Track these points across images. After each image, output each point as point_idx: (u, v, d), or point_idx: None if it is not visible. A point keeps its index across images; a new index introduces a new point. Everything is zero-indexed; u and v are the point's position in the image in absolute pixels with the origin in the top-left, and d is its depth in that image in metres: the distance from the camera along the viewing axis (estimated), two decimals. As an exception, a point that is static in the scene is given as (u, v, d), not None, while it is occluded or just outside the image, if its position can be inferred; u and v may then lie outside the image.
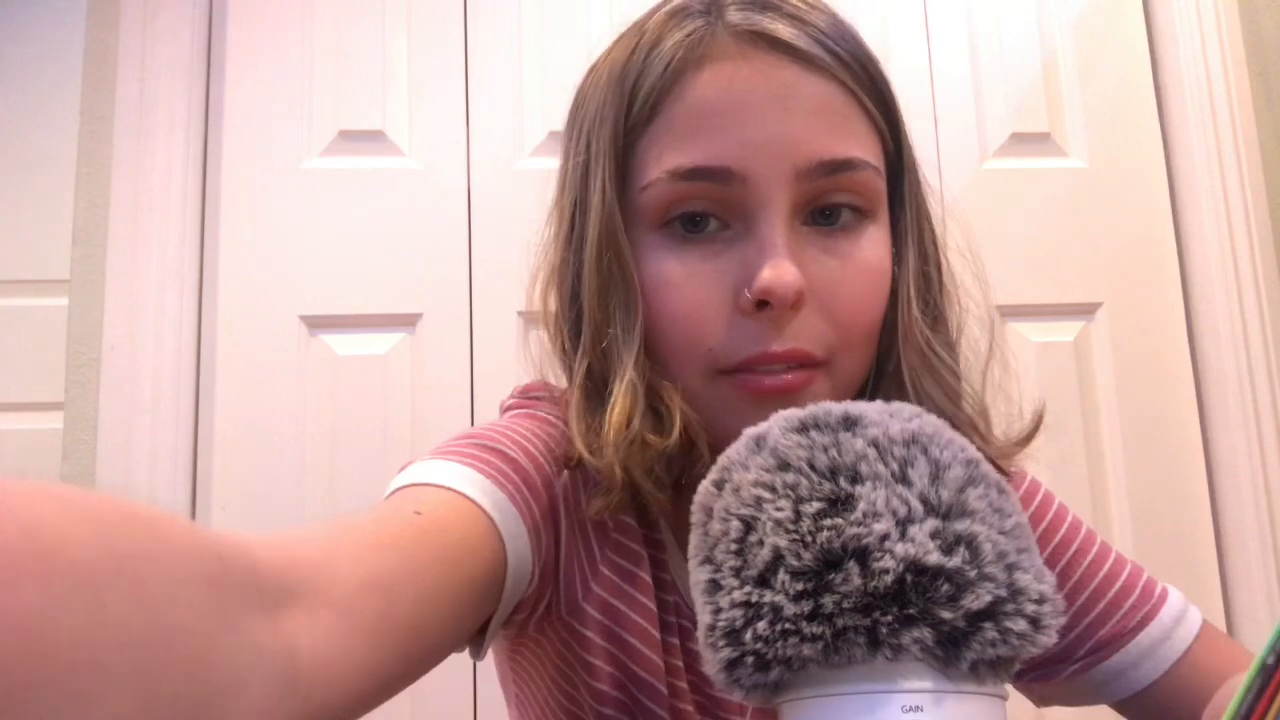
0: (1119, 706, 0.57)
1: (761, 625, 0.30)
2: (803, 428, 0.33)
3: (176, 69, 1.38)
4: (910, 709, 0.28)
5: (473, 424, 1.34)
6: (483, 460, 0.46)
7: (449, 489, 0.43)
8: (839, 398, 0.47)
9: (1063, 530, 0.59)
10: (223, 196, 1.38)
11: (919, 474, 0.31)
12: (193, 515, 1.30)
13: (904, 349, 0.51)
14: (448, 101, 1.43)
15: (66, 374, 1.29)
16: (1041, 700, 0.62)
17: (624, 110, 0.50)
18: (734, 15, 0.49)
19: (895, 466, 0.31)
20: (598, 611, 0.53)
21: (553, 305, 0.56)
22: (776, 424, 0.34)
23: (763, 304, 0.47)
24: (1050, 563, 0.58)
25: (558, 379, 0.58)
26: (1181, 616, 0.57)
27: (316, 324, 1.36)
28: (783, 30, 0.48)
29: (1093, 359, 1.46)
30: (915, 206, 0.54)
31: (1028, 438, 0.55)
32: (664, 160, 0.49)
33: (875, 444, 0.32)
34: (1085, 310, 1.47)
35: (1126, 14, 1.55)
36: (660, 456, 0.48)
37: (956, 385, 0.53)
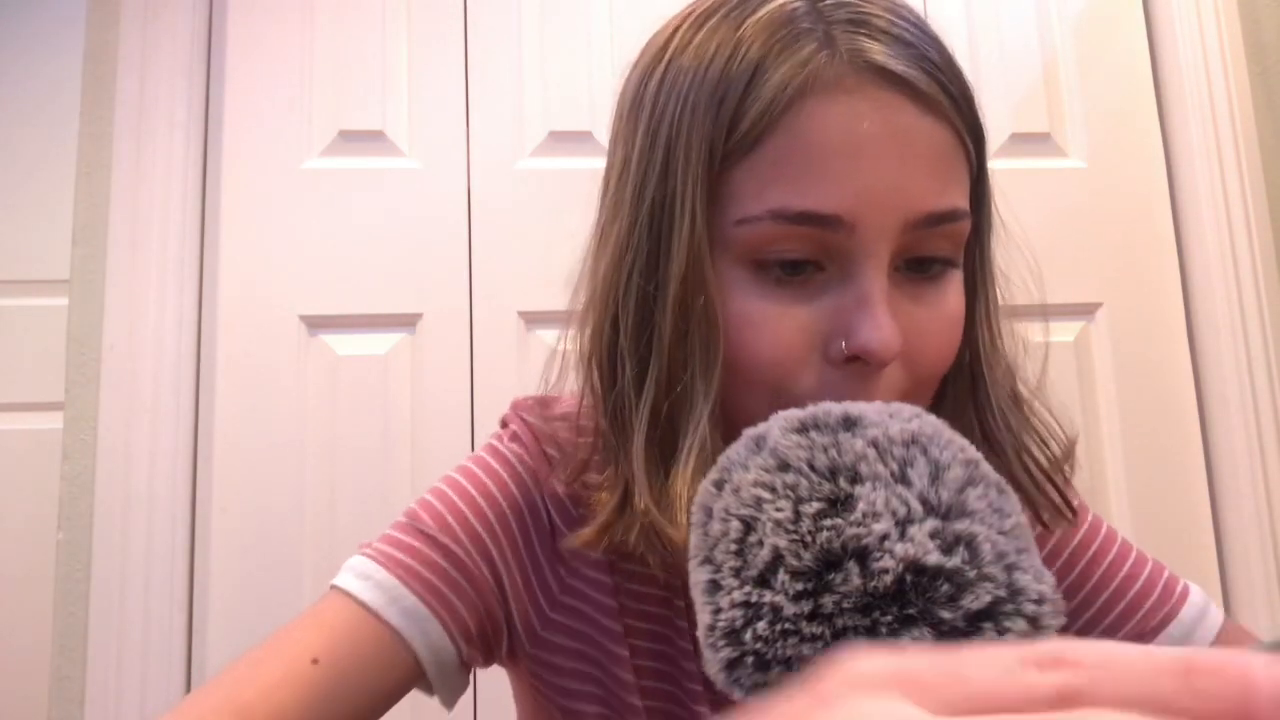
0: None
1: (761, 625, 0.30)
2: (802, 428, 0.33)
3: (176, 69, 1.38)
4: (910, 709, 0.28)
5: (472, 424, 1.34)
6: (409, 553, 0.51)
7: (360, 605, 0.49)
8: None
9: (1083, 530, 0.60)
10: (223, 196, 1.38)
11: (919, 474, 0.31)
12: (193, 515, 1.30)
13: (988, 382, 0.51)
14: (448, 101, 1.43)
15: (66, 374, 1.29)
16: None
17: (722, 133, 0.46)
18: (848, 40, 0.46)
19: (895, 467, 0.31)
20: (564, 637, 0.55)
21: (606, 333, 0.50)
22: (776, 424, 0.34)
23: (854, 359, 0.45)
24: (1070, 563, 0.59)
25: (551, 387, 0.56)
26: (1203, 615, 0.57)
27: (316, 324, 1.36)
28: (901, 65, 0.45)
29: (1093, 359, 1.46)
30: (986, 246, 0.53)
31: (1066, 458, 0.54)
32: (767, 197, 0.45)
33: (875, 444, 0.32)
34: (1085, 310, 1.47)
35: (1126, 14, 1.55)
36: None
37: (1025, 414, 0.52)
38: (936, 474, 0.31)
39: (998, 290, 0.54)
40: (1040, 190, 1.47)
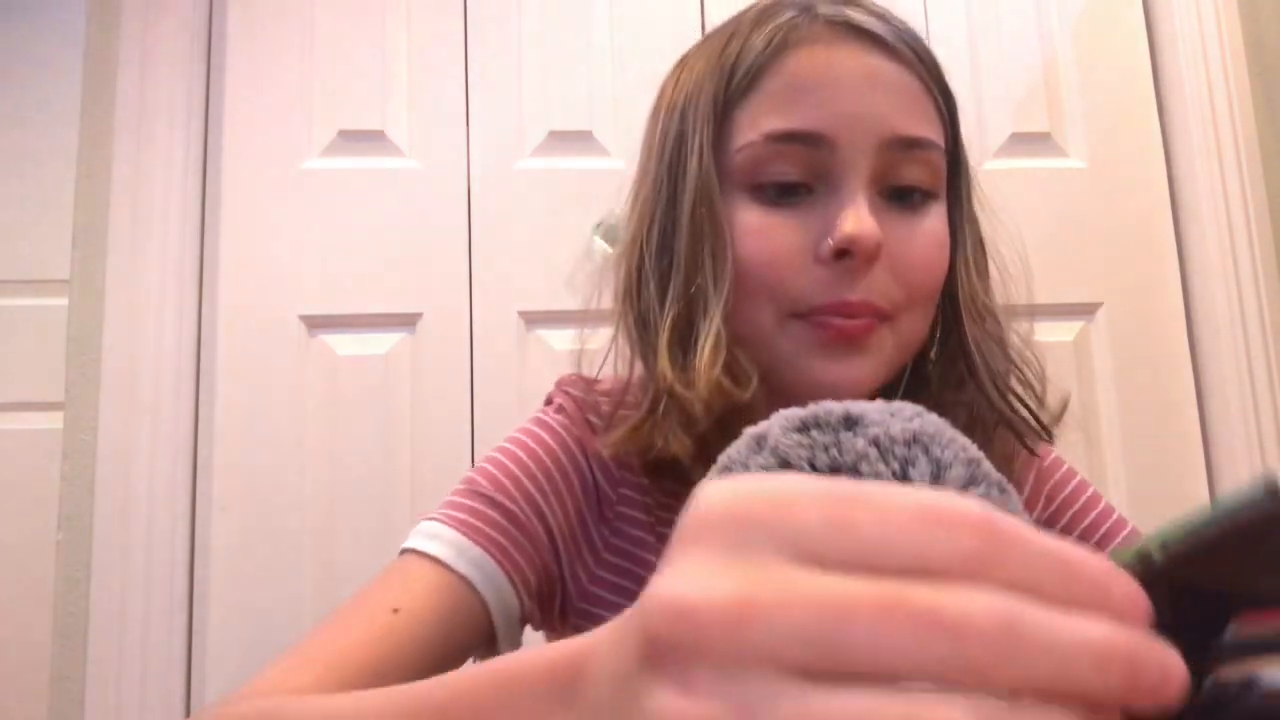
0: None
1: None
2: (803, 427, 0.33)
3: (176, 69, 1.38)
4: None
5: (472, 424, 1.34)
6: (470, 513, 0.55)
7: (431, 559, 0.53)
8: (900, 354, 0.54)
9: (1092, 515, 0.65)
10: (223, 196, 1.38)
11: (920, 473, 0.31)
12: (193, 515, 1.30)
13: (966, 317, 0.57)
14: (448, 101, 1.43)
15: (66, 374, 1.29)
16: None
17: (724, 82, 0.55)
18: (825, 9, 0.55)
19: (896, 466, 0.31)
20: (608, 592, 0.58)
21: (635, 264, 0.58)
22: (777, 423, 0.34)
23: (842, 254, 0.51)
24: (1059, 511, 0.64)
25: (593, 370, 0.63)
26: None
27: (316, 324, 1.36)
28: (871, 23, 0.54)
29: (1093, 359, 1.46)
30: (967, 199, 0.60)
31: (1054, 420, 0.60)
32: (760, 124, 0.54)
33: (876, 443, 0.32)
34: (1085, 310, 1.46)
35: (1126, 14, 1.55)
36: (732, 409, 0.51)
37: (1006, 349, 0.58)
38: (938, 473, 0.31)
39: (985, 258, 0.61)
40: (1040, 190, 1.47)
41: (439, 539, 0.53)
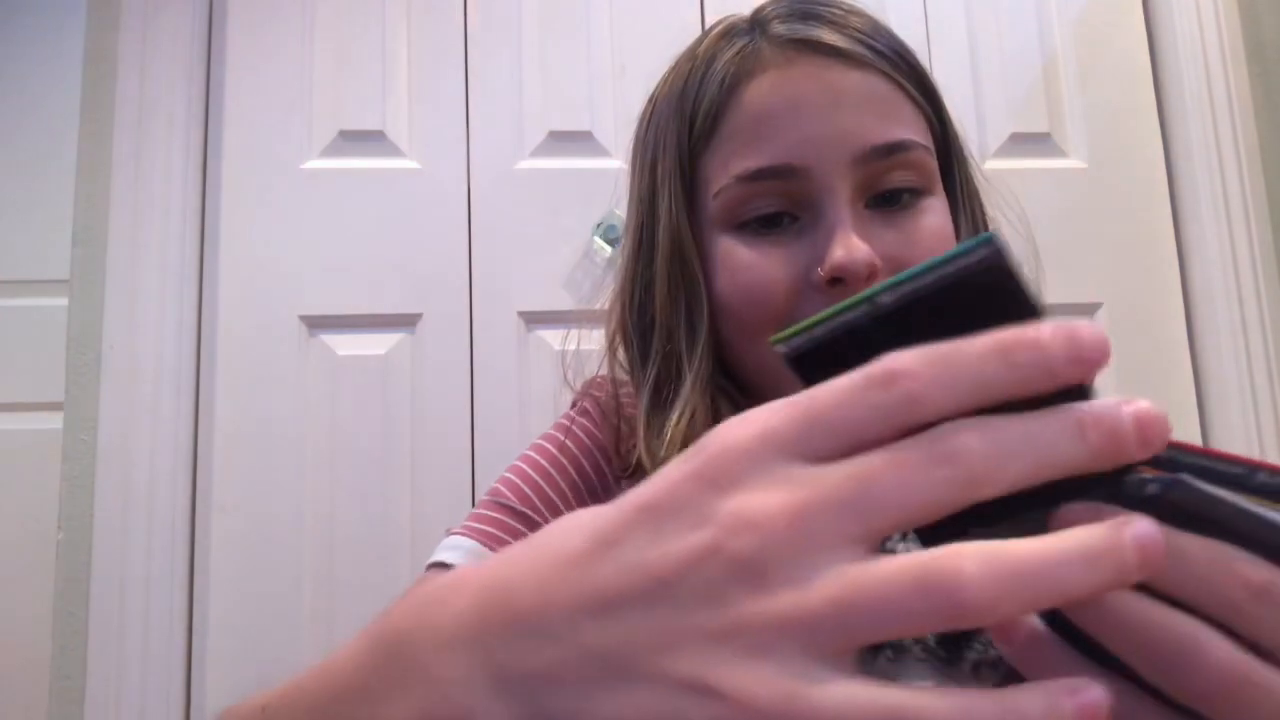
0: None
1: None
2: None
3: (176, 69, 1.38)
4: (911, 709, 0.28)
5: (472, 424, 1.34)
6: (491, 524, 0.55)
7: (451, 569, 0.53)
8: None
9: None
10: (223, 196, 1.38)
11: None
12: (192, 515, 1.30)
13: None
14: (448, 101, 1.43)
15: (66, 374, 1.29)
16: None
17: (686, 130, 0.55)
18: (778, 28, 0.54)
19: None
20: None
21: (618, 322, 0.59)
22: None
23: (835, 281, 0.50)
24: None
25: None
26: None
27: (316, 324, 1.36)
28: (825, 34, 0.53)
29: (1093, 359, 1.45)
30: (964, 181, 0.58)
31: None
32: (730, 166, 0.53)
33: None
34: (1085, 310, 1.47)
35: (1126, 14, 1.55)
36: None
37: None
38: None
39: (987, 221, 0.60)
40: (1040, 190, 1.47)
41: (459, 549, 0.54)
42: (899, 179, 0.52)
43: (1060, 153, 1.51)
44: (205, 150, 1.39)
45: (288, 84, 1.41)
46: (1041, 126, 1.51)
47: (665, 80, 0.59)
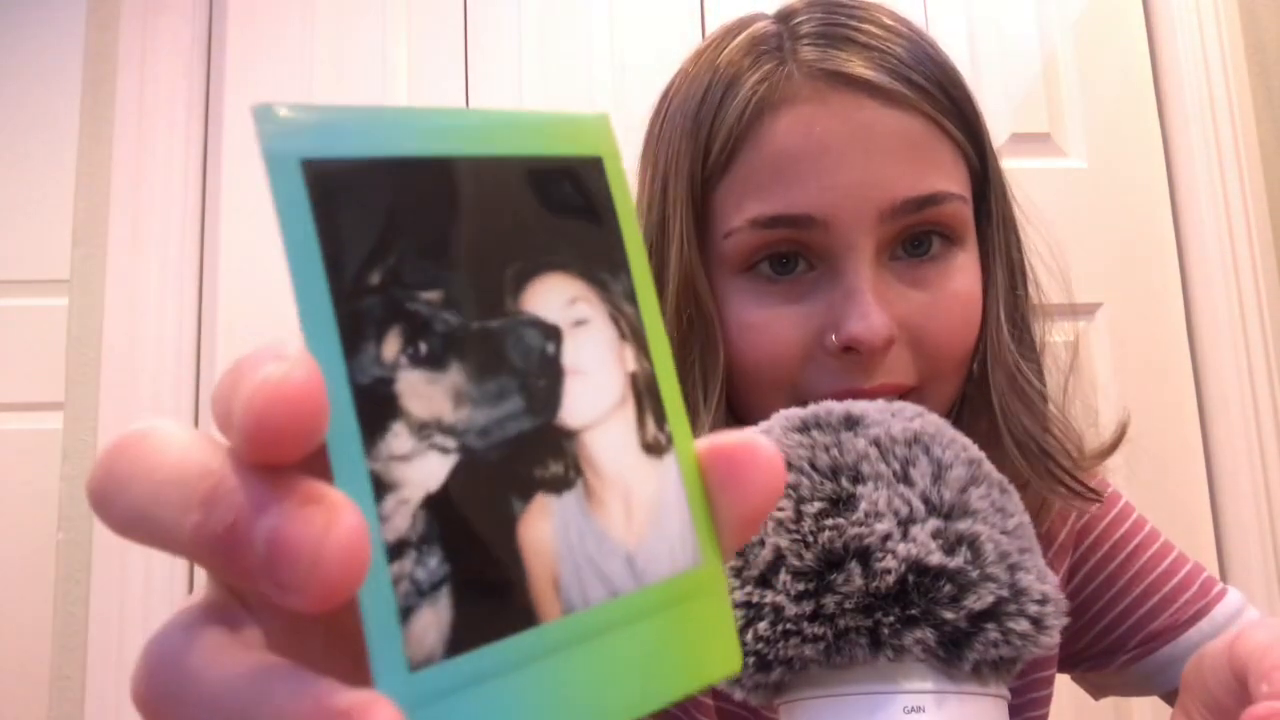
0: (1168, 698, 0.59)
1: (762, 625, 0.30)
2: (804, 427, 0.33)
3: (176, 69, 1.38)
4: (912, 710, 0.28)
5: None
6: None
7: None
8: None
9: (1125, 526, 0.63)
10: (223, 196, 1.38)
11: (921, 474, 0.31)
12: (193, 515, 1.30)
13: (993, 372, 0.51)
14: (448, 101, 1.43)
15: (66, 374, 1.29)
16: (1097, 690, 0.64)
17: (700, 158, 0.49)
18: (809, 53, 0.48)
19: (897, 466, 0.31)
20: None
21: None
22: (778, 423, 0.34)
23: (849, 349, 0.46)
24: (1108, 557, 0.61)
25: None
26: (1237, 614, 0.58)
27: (316, 324, 1.36)
28: (858, 67, 0.47)
29: (1093, 359, 1.45)
30: (1003, 222, 0.54)
31: (1108, 450, 0.57)
32: (745, 209, 0.48)
33: (877, 443, 0.32)
34: (1085, 310, 1.46)
35: (1126, 14, 1.55)
36: None
37: (1044, 408, 0.53)
38: (939, 473, 0.31)
39: (1030, 265, 0.56)
40: (1040, 190, 1.46)
41: None
42: (930, 229, 0.49)
43: (1060, 153, 1.50)
44: (205, 150, 1.39)
45: (288, 83, 1.41)
46: (1041, 126, 1.51)
47: (681, 82, 0.53)
